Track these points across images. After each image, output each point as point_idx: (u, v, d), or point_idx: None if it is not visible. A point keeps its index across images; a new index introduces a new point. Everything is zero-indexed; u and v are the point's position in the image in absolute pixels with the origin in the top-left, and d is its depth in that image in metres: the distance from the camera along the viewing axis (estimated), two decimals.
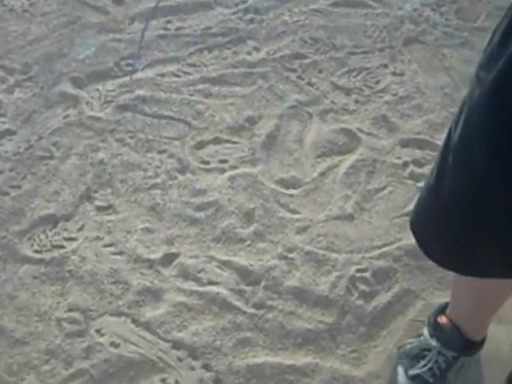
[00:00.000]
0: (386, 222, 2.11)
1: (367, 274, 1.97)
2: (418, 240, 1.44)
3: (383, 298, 1.93)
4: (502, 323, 1.93)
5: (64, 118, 2.37)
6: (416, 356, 1.75)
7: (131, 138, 2.31)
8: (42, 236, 2.03)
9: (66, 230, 2.05)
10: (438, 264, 1.43)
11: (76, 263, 1.95)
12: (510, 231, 1.21)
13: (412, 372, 1.73)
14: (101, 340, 1.79)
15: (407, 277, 1.98)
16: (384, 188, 2.20)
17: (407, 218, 2.10)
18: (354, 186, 2.19)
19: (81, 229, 2.05)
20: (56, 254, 1.98)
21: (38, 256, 1.97)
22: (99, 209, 2.11)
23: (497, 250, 1.26)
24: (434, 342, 1.73)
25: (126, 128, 2.34)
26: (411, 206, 1.88)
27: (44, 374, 1.74)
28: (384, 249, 2.03)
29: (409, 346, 1.78)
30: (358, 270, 1.97)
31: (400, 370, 1.75)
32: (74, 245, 2.00)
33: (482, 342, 1.77)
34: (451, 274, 1.61)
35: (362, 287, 1.94)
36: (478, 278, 1.43)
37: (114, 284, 1.90)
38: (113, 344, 1.79)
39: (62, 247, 2.00)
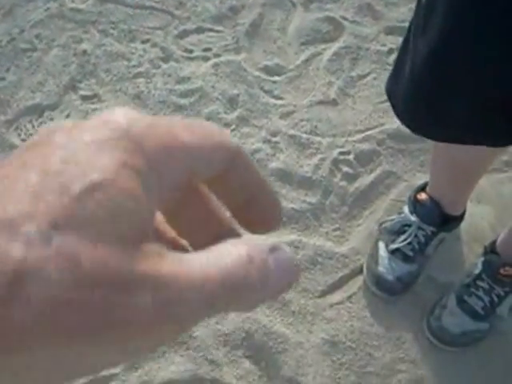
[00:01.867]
0: (370, 107, 2.12)
1: (350, 157, 1.99)
2: (392, 105, 1.46)
3: (366, 180, 1.95)
4: (482, 203, 1.97)
5: (45, 10, 2.33)
6: (396, 232, 1.78)
7: (113, 28, 2.28)
8: (29, 125, 2.03)
9: (51, 119, 2.05)
10: (411, 129, 1.44)
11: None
12: (475, 91, 1.22)
13: (392, 246, 1.77)
14: None
15: (390, 159, 2.00)
16: (368, 74, 2.20)
17: None
18: (338, 73, 2.19)
19: (67, 117, 2.05)
20: None
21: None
22: (84, 98, 2.10)
23: (463, 111, 1.28)
24: (413, 218, 1.76)
25: (108, 19, 2.30)
26: None
27: None
28: (367, 132, 2.04)
29: (389, 223, 1.81)
30: (341, 153, 1.99)
31: (381, 244, 1.79)
32: None
33: (461, 217, 1.80)
34: None
35: (345, 169, 1.96)
36: (451, 146, 1.45)
37: None
38: None
39: None
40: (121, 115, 0.27)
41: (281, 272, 0.28)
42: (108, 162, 0.25)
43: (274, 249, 0.28)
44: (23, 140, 1.98)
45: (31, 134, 1.99)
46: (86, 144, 0.25)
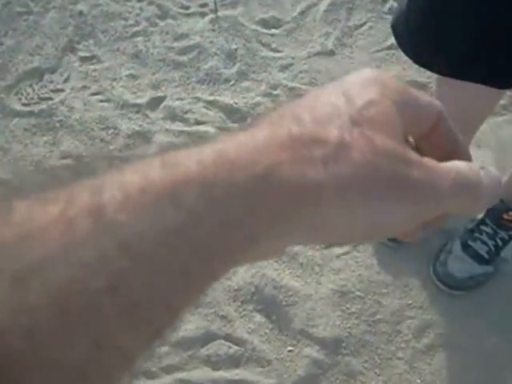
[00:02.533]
0: (367, 56, 2.06)
1: None
2: (395, 36, 1.41)
3: None
4: (481, 148, 1.93)
5: None
6: None
7: None
8: (29, 90, 1.98)
9: (51, 82, 2.00)
10: (414, 61, 1.40)
11: (65, 113, 1.91)
12: (476, 25, 1.18)
13: None
14: None
15: None
16: (364, 24, 2.14)
17: (388, 52, 2.07)
18: (334, 23, 2.13)
19: (67, 80, 2.00)
20: (44, 105, 1.93)
21: (26, 109, 1.93)
22: (83, 59, 2.04)
23: (466, 45, 1.24)
24: None
25: None
26: (392, 40, 1.84)
27: None
28: None
29: None
30: None
31: None
32: (62, 96, 1.95)
33: None
34: None
35: None
36: (454, 88, 1.41)
37: (103, 130, 1.87)
38: None
39: (50, 99, 1.95)
40: (368, 71, 0.37)
41: (492, 183, 0.37)
42: (373, 92, 0.35)
43: (482, 167, 0.37)
44: (24, 105, 1.93)
45: (32, 99, 1.95)
46: (353, 83, 0.36)
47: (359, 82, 0.36)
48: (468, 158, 0.39)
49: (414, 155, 0.34)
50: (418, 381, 1.60)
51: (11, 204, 0.28)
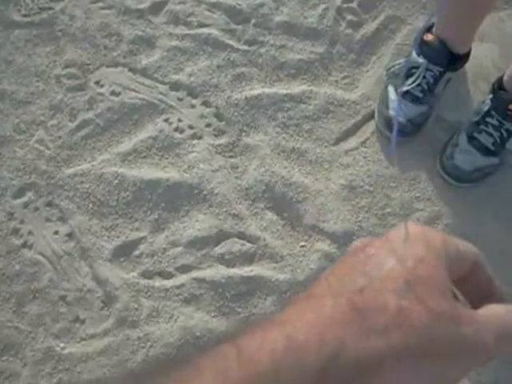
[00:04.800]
0: None
1: (354, 4, 1.82)
2: None
3: (371, 26, 1.79)
4: (485, 41, 1.83)
5: None
6: (405, 74, 1.66)
7: None
8: (28, 0, 1.85)
9: None
10: None
11: (66, 22, 1.78)
12: None
13: (401, 89, 1.64)
14: (101, 90, 1.68)
15: (393, 4, 1.83)
16: None
17: None
18: None
19: None
20: (45, 15, 1.81)
21: (27, 19, 1.80)
22: None
23: None
24: (421, 59, 1.63)
25: None
26: None
27: (52, 129, 1.64)
28: None
29: (397, 67, 1.68)
30: (345, 1, 1.82)
31: (390, 89, 1.67)
32: (62, 4, 1.82)
33: (467, 56, 1.68)
34: None
35: (350, 17, 1.80)
36: None
37: (106, 37, 1.75)
38: (113, 93, 1.68)
39: (50, 8, 1.82)
40: (412, 225, 0.38)
41: None
42: (420, 248, 0.37)
43: None
44: (24, 16, 1.81)
45: (32, 9, 1.82)
46: (399, 240, 0.38)
47: (405, 238, 0.38)
48: (504, 300, 0.41)
49: (463, 311, 0.35)
50: None
51: None
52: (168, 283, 1.50)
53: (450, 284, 0.37)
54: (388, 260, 0.36)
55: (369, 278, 0.35)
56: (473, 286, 0.40)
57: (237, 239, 1.53)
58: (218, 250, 1.52)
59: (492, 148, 1.62)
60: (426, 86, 1.64)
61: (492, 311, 0.37)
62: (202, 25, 1.76)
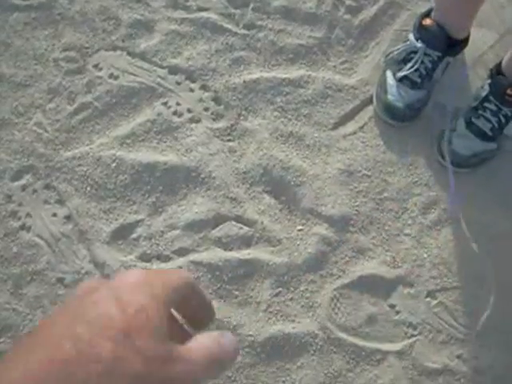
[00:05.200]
0: None
1: None
2: None
3: (370, 12, 1.78)
4: (484, 27, 1.81)
5: None
6: (403, 60, 1.65)
7: None
8: None
9: None
10: None
11: (65, 5, 1.77)
12: None
13: (400, 74, 1.63)
14: (100, 74, 1.67)
15: None
16: None
17: None
18: None
19: None
20: None
21: (25, 3, 1.78)
22: None
23: None
24: (419, 44, 1.62)
25: None
26: None
27: (50, 112, 1.63)
28: None
29: (396, 52, 1.67)
30: None
31: (389, 74, 1.66)
32: None
33: (465, 41, 1.67)
34: None
35: (348, 2, 1.78)
36: None
37: (105, 21, 1.74)
38: (112, 76, 1.67)
39: None
40: (137, 272, 0.42)
41: (228, 344, 0.41)
42: (143, 297, 0.38)
43: (222, 334, 0.42)
44: None
45: None
46: (125, 287, 0.40)
47: (130, 286, 0.39)
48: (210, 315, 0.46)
49: (175, 352, 0.38)
50: (425, 255, 1.54)
51: None
52: (165, 266, 1.49)
53: (168, 325, 0.38)
54: (110, 308, 0.37)
55: (88, 326, 0.35)
56: (192, 310, 0.43)
57: (234, 222, 1.52)
58: (216, 233, 1.51)
59: (490, 133, 1.61)
60: (424, 71, 1.63)
61: (199, 343, 0.40)
62: (200, 9, 1.74)
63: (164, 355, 0.37)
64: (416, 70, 1.63)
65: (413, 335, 1.49)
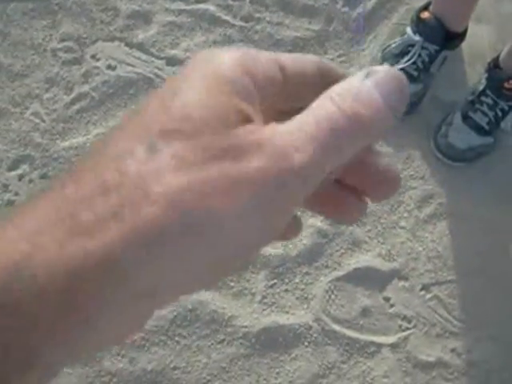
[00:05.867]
0: None
1: None
2: None
3: (367, 5, 1.77)
4: (482, 22, 1.80)
5: None
6: (400, 53, 1.64)
7: None
8: None
9: None
10: None
11: None
12: None
13: (397, 67, 1.62)
14: (97, 64, 1.66)
15: None
16: None
17: None
18: None
19: None
20: None
21: None
22: None
23: None
24: (417, 37, 1.61)
25: None
26: None
27: (47, 102, 1.62)
28: None
29: (393, 45, 1.66)
30: None
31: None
32: None
33: (463, 34, 1.66)
34: None
35: None
36: None
37: (103, 11, 1.72)
38: (109, 67, 1.65)
39: None
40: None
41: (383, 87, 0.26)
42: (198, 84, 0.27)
43: (368, 73, 0.26)
44: None
45: None
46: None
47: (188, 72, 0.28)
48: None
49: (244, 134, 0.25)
50: (420, 248, 1.53)
51: None
52: None
53: (238, 107, 0.26)
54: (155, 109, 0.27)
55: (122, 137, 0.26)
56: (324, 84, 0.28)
57: None
58: None
59: (487, 127, 1.60)
60: (421, 65, 1.62)
61: (300, 122, 0.26)
62: (198, 0, 1.73)
63: (221, 150, 0.24)
64: (413, 64, 1.61)
65: (407, 328, 1.48)
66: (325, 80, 0.29)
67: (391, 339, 1.47)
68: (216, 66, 0.27)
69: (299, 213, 1.28)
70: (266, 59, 0.27)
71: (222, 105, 0.25)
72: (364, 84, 0.26)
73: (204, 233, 0.23)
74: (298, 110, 0.27)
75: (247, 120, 0.25)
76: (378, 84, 0.26)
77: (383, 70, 0.27)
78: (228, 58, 0.27)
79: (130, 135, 0.26)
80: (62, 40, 1.69)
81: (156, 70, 1.64)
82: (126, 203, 0.23)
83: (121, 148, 0.25)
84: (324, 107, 0.26)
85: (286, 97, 0.29)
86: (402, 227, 1.54)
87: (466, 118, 1.60)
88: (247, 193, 0.24)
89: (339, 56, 1.69)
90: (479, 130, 1.60)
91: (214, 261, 0.25)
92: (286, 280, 1.48)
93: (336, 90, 0.26)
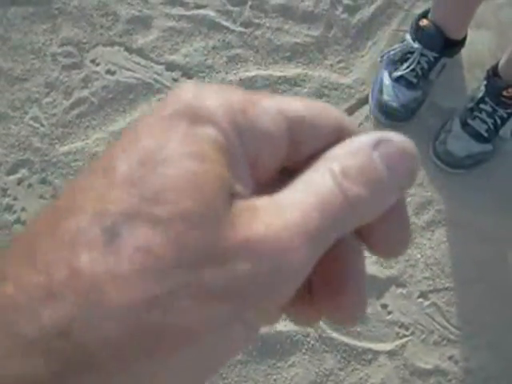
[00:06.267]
0: None
1: None
2: None
3: (367, 11, 1.76)
4: (481, 29, 1.79)
5: None
6: (399, 60, 1.63)
7: None
8: None
9: None
10: None
11: (63, 0, 1.75)
12: None
13: (396, 74, 1.62)
14: (97, 69, 1.65)
15: None
16: None
17: None
18: None
19: None
20: None
21: None
22: None
23: None
24: (416, 45, 1.60)
25: None
26: None
27: (46, 106, 1.62)
28: None
29: (392, 52, 1.65)
30: None
31: (385, 73, 1.64)
32: None
33: (462, 41, 1.65)
34: None
35: (346, 1, 1.76)
36: None
37: (103, 16, 1.72)
38: (109, 72, 1.65)
39: None
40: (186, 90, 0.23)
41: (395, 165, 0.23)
42: (176, 140, 0.22)
43: (378, 143, 0.24)
44: None
45: None
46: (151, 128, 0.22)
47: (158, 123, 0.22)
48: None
49: (245, 225, 0.20)
50: (418, 255, 1.53)
51: None
52: None
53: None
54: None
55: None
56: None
57: None
58: None
59: (485, 134, 1.59)
60: (420, 72, 1.61)
61: (309, 185, 0.22)
62: (198, 6, 1.73)
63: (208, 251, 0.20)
64: (412, 70, 1.61)
65: (404, 335, 1.48)
66: (337, 135, 0.25)
67: (389, 346, 1.46)
68: (197, 116, 0.22)
69: None
70: (268, 108, 0.23)
71: (204, 177, 0.21)
72: (373, 161, 0.23)
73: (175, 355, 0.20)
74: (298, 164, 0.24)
75: (232, 194, 0.21)
76: (389, 163, 0.24)
77: (396, 142, 0.24)
78: (214, 107, 0.22)
79: (90, 207, 0.20)
80: (62, 44, 1.68)
81: (155, 76, 1.64)
82: (77, 316, 0.19)
83: (78, 226, 0.20)
84: (325, 186, 0.22)
85: (287, 156, 0.24)
86: None
87: (464, 125, 1.59)
88: (228, 306, 0.20)
89: (338, 62, 1.68)
90: (478, 137, 1.59)
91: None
92: None
93: (340, 160, 0.23)
